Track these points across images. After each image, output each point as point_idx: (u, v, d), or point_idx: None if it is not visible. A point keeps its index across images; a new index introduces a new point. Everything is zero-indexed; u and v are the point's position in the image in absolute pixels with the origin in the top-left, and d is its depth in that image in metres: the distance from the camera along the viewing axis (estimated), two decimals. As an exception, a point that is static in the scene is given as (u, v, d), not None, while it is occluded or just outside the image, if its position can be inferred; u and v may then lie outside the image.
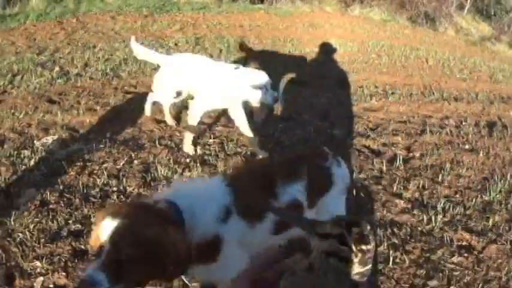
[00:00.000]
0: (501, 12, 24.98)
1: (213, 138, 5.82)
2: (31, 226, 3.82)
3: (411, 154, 6.00)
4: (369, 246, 1.44)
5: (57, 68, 8.68)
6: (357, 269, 1.42)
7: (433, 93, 9.32)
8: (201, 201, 2.50)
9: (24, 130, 5.90)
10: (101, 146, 5.36)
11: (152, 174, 4.73)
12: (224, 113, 6.10)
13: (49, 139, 5.55)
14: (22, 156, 5.10)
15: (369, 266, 1.45)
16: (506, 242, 4.28)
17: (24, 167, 4.85)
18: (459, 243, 4.14)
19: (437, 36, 19.21)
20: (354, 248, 1.42)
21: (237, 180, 2.72)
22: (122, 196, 4.35)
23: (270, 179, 2.85)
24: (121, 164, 4.97)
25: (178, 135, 5.83)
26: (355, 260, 1.42)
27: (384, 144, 6.21)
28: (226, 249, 2.53)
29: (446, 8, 22.33)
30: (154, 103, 6.16)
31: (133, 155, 5.18)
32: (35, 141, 5.51)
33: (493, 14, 24.98)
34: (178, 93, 5.70)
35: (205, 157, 5.27)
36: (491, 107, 9.12)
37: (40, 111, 6.55)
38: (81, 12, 15.36)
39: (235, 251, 2.59)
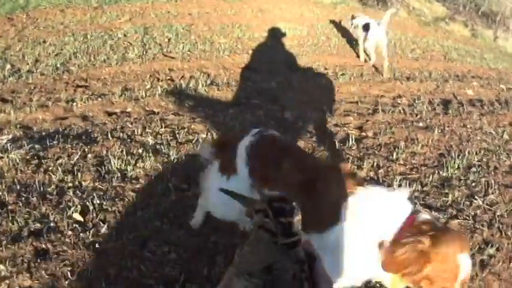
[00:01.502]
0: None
1: (164, 127, 5.77)
2: (-9, 229, 3.73)
3: (364, 134, 6.02)
4: (289, 219, 1.57)
5: (8, 66, 8.44)
6: (282, 240, 1.55)
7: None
8: None
9: None
10: (55, 142, 5.26)
11: (106, 167, 4.66)
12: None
13: (3, 138, 5.42)
14: (-24, 157, 4.99)
15: (295, 238, 1.57)
16: (469, 217, 4.34)
17: (-21, 168, 4.74)
18: None
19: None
20: (274, 220, 1.57)
21: None
22: (78, 191, 4.25)
23: None
24: (75, 158, 4.87)
25: (130, 126, 5.77)
26: (278, 231, 1.55)
27: (336, 125, 6.23)
28: None
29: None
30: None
31: (86, 149, 5.09)
32: None
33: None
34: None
35: (157, 146, 5.22)
36: (445, 85, 9.25)
37: None
38: (31, 7, 15.06)
39: None
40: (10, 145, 5.12)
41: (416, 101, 7.77)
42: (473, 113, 7.64)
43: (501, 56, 15.85)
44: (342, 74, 8.92)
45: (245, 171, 3.00)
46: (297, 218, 1.60)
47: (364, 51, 10.20)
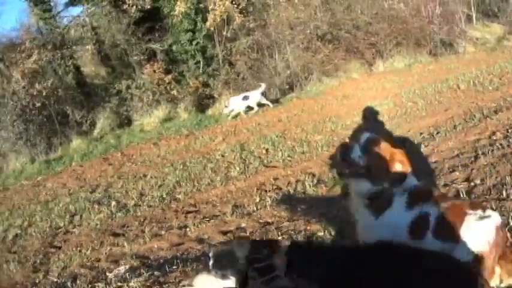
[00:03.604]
0: (504, 5, 24.87)
1: (281, 235, 5.82)
2: None
3: (472, 183, 5.93)
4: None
5: (114, 203, 9.06)
6: None
7: (474, 116, 9.36)
8: None
9: (94, 265, 6.17)
10: (174, 267, 5.39)
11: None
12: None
13: (121, 269, 5.67)
14: (96, 289, 5.23)
15: None
16: None
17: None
18: None
19: (460, 58, 19.30)
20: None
21: None
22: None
23: None
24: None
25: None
26: None
27: (445, 185, 6.14)
28: None
29: (458, 27, 22.38)
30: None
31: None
32: (107, 274, 5.67)
33: (497, 10, 24.87)
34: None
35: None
36: (530, 103, 9.02)
37: (106, 245, 6.84)
38: (123, 145, 15.99)
39: None
40: (129, 274, 5.35)
41: (510, 131, 7.72)
42: None
43: None
44: (437, 133, 8.91)
45: None
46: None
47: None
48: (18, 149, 17.84)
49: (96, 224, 8.20)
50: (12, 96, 18.27)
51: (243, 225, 6.50)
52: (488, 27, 23.48)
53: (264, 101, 16.97)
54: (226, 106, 17.29)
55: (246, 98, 16.84)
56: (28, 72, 18.90)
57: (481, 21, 24.10)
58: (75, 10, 24.97)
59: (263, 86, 17.32)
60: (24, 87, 18.51)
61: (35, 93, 18.56)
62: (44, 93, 18.80)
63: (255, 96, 16.87)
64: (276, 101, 18.38)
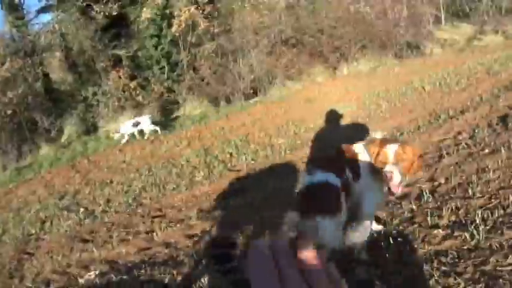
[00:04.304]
0: (475, 5, 25.23)
1: None
2: None
3: (436, 183, 5.96)
4: None
5: (81, 209, 9.14)
6: None
7: (440, 116, 9.45)
8: None
9: (66, 270, 6.21)
10: (142, 271, 5.50)
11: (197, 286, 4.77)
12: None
13: (91, 274, 5.76)
14: (69, 294, 5.24)
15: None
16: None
17: (73, 304, 4.97)
18: (510, 244, 4.02)
19: (427, 60, 19.56)
20: None
21: None
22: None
23: None
24: (165, 280, 5.08)
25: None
26: None
27: (408, 185, 6.12)
28: None
29: (425, 28, 22.63)
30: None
31: (175, 273, 5.25)
32: (78, 279, 5.73)
33: (468, 10, 25.23)
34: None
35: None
36: (498, 102, 9.22)
37: (76, 251, 6.87)
38: (90, 152, 16.15)
39: None
40: (99, 279, 5.46)
41: (476, 130, 7.72)
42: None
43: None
44: (400, 134, 8.98)
45: None
46: None
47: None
48: (-11, 157, 17.74)
49: (66, 231, 8.26)
50: (-16, 104, 18.13)
51: (208, 229, 6.49)
52: (458, 28, 23.84)
53: (152, 127, 16.93)
54: (117, 132, 17.11)
55: (136, 124, 16.80)
56: (1, 81, 18.78)
57: (450, 22, 24.41)
58: (46, 17, 25.13)
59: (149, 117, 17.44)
60: (-3, 96, 18.38)
61: (6, 100, 18.60)
62: (14, 101, 18.91)
63: (145, 122, 16.88)
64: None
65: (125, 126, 16.89)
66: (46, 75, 21.71)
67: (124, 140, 16.55)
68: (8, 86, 19.10)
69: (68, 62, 22.58)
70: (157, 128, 16.87)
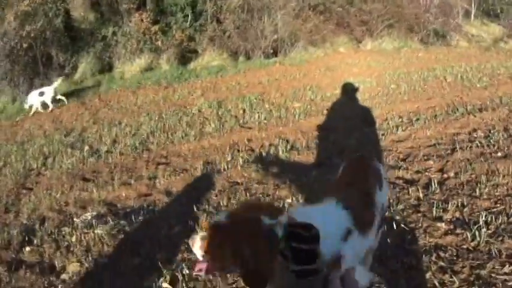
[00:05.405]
0: (507, 8, 24.90)
1: (249, 197, 5.87)
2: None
3: (445, 175, 5.92)
4: (304, 246, 1.68)
5: (86, 147, 9.15)
6: (292, 266, 1.69)
7: (457, 109, 9.31)
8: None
9: (63, 208, 6.24)
10: (140, 217, 5.53)
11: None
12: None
13: (88, 215, 5.77)
14: (63, 233, 5.33)
15: (309, 266, 1.68)
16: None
17: (66, 243, 5.06)
18: (508, 253, 4.00)
19: (451, 51, 19.27)
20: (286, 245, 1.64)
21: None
22: (166, 262, 4.40)
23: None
24: (162, 232, 5.09)
25: (215, 198, 5.98)
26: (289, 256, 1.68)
27: (417, 172, 6.15)
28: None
29: (454, 20, 22.39)
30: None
31: (172, 223, 5.30)
32: (74, 219, 5.75)
33: (499, 11, 24.91)
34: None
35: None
36: (517, 108, 9.01)
37: (76, 190, 6.90)
38: (102, 91, 16.08)
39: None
40: (95, 221, 5.43)
41: (492, 131, 7.64)
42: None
43: None
44: (417, 119, 8.86)
45: None
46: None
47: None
48: (2, 88, 17.83)
49: (68, 168, 8.24)
50: (2, 37, 18.05)
51: (212, 182, 6.52)
52: (486, 26, 23.54)
53: (58, 96, 15.66)
54: (25, 103, 15.68)
55: (41, 94, 15.41)
56: (20, 14, 18.64)
57: (479, 19, 24.11)
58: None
59: (59, 80, 16.36)
60: (14, 29, 18.26)
61: (24, 34, 18.35)
62: (32, 35, 18.61)
63: (49, 93, 15.42)
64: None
65: (31, 97, 15.55)
66: (67, 11, 21.37)
67: (31, 113, 15.18)
68: (28, 20, 18.87)
69: (91, 0, 22.35)
70: (63, 98, 15.71)
